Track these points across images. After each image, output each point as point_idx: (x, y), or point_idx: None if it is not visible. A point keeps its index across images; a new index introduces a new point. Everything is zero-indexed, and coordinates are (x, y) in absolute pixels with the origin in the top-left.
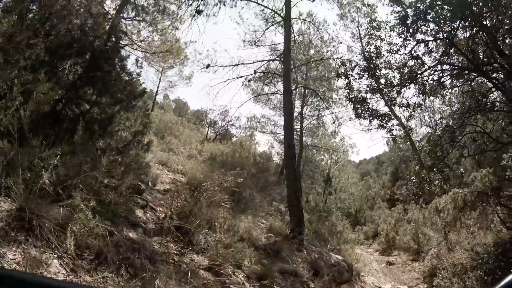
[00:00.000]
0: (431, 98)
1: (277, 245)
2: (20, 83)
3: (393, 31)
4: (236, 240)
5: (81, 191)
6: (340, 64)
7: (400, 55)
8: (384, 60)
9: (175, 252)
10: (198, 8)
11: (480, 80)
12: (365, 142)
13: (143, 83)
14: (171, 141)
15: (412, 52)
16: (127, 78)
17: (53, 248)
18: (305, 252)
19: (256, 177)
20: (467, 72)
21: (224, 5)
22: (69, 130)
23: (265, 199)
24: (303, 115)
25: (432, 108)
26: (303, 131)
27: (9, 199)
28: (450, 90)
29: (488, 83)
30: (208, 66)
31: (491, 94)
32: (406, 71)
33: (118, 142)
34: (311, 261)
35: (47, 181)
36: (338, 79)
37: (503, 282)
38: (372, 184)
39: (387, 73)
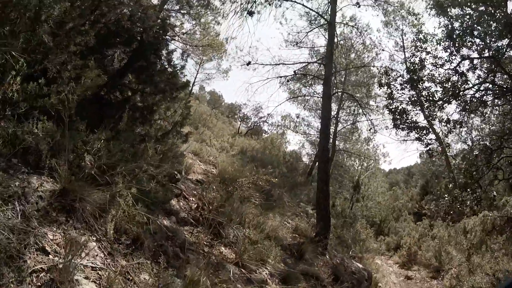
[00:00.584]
0: (471, 115)
1: (302, 247)
2: (70, 68)
3: (439, 45)
4: (263, 237)
5: (124, 177)
6: (383, 73)
7: (445, 69)
8: (427, 73)
9: (205, 243)
10: (250, 10)
11: None
12: (398, 152)
13: (186, 75)
14: (204, 132)
15: (457, 67)
16: (171, 70)
17: (92, 231)
18: (327, 257)
19: (285, 176)
20: (510, 93)
21: (270, 4)
22: (113, 116)
23: (292, 199)
24: (338, 118)
25: (470, 125)
26: (337, 135)
27: (52, 180)
28: (491, 110)
29: None
30: (249, 63)
31: None
32: (449, 86)
33: (157, 131)
34: (332, 266)
35: (89, 164)
36: (380, 89)
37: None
38: (400, 195)
39: (430, 86)
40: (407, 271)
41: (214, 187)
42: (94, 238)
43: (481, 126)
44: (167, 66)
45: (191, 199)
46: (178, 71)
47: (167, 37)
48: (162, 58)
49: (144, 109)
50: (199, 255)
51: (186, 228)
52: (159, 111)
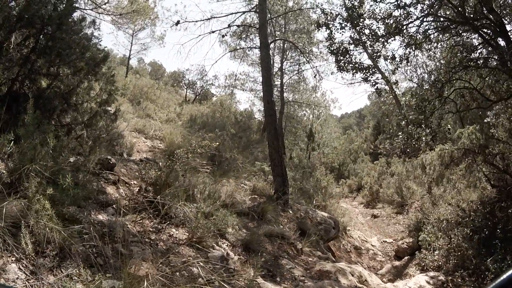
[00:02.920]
0: (416, 52)
1: (261, 207)
2: None
3: None
4: (218, 207)
5: (35, 178)
6: (321, 13)
7: (386, 4)
8: (368, 9)
9: (151, 229)
10: None
11: (467, 36)
12: (347, 96)
13: (105, 47)
14: (148, 106)
15: (398, 1)
16: (86, 44)
17: (10, 250)
18: (290, 212)
19: (238, 136)
20: (455, 25)
21: None
22: (24, 111)
23: (247, 159)
24: (283, 70)
25: (415, 63)
26: (284, 87)
27: None
28: (436, 44)
29: (474, 40)
30: (178, 22)
31: (478, 51)
32: (391, 22)
33: (84, 115)
34: (297, 220)
35: (4, 172)
36: (319, 30)
37: (498, 280)
38: (354, 138)
39: (371, 23)
40: (372, 210)
41: (160, 164)
42: (13, 259)
43: (427, 63)
44: (79, 40)
45: (133, 182)
46: (94, 43)
47: (81, 9)
48: (70, 31)
49: (62, 95)
50: (144, 245)
51: (129, 217)
52: (82, 93)
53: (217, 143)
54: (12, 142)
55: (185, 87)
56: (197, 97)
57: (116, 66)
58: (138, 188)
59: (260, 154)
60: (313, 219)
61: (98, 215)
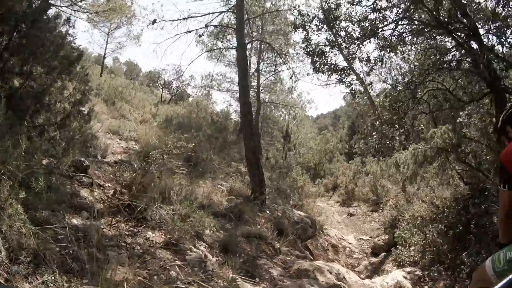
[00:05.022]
0: (390, 54)
1: (239, 208)
2: None
3: None
4: (194, 209)
5: (7, 181)
6: (297, 14)
7: (362, 7)
8: (344, 12)
9: (127, 232)
10: None
11: (440, 39)
12: (323, 97)
13: (80, 45)
14: (123, 107)
15: (374, 4)
16: (60, 42)
17: None
18: (268, 212)
19: (214, 137)
20: (429, 28)
21: None
22: None
23: (224, 160)
24: (260, 71)
25: (389, 65)
26: (260, 88)
27: None
28: (410, 47)
29: (447, 43)
30: (154, 21)
31: (451, 53)
32: (367, 25)
33: (57, 115)
34: (274, 221)
35: None
36: (295, 31)
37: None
38: (330, 138)
39: (347, 26)
40: (348, 208)
41: (135, 166)
42: None
43: (401, 65)
44: (53, 39)
45: (107, 185)
46: (68, 41)
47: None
48: (44, 29)
49: (36, 94)
50: (121, 249)
51: (104, 221)
52: (55, 93)
53: (193, 144)
54: None
55: (161, 87)
56: (173, 97)
57: (91, 65)
58: (112, 190)
59: (236, 154)
60: (290, 219)
61: (73, 219)
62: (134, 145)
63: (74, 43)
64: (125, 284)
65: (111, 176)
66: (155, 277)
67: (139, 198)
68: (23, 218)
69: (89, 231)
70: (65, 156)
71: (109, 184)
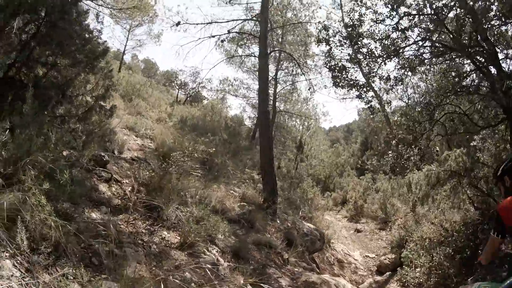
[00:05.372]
0: (409, 73)
1: (251, 215)
2: None
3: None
4: (208, 213)
5: (32, 171)
6: (322, 28)
7: (385, 26)
8: (367, 29)
9: (144, 230)
10: None
11: (460, 62)
12: (338, 110)
13: (105, 41)
14: (139, 104)
15: (397, 24)
16: (87, 36)
17: (4, 245)
18: (278, 221)
19: (228, 142)
20: (450, 51)
21: None
22: (19, 99)
23: (237, 165)
24: (277, 80)
25: (406, 83)
26: (277, 96)
27: None
28: (429, 68)
29: (466, 65)
30: (178, 23)
31: (469, 77)
32: (388, 43)
33: (78, 108)
34: (284, 231)
35: None
36: (319, 45)
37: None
38: (341, 152)
39: (369, 43)
40: (356, 224)
41: (151, 164)
42: (7, 254)
43: (418, 84)
44: (81, 32)
45: (124, 181)
46: (95, 36)
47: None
48: (73, 22)
49: (60, 86)
50: (138, 246)
51: (121, 217)
52: (78, 86)
53: (213, 149)
54: (8, 130)
55: (177, 87)
56: (188, 98)
57: (110, 60)
58: (130, 187)
59: (249, 161)
60: (300, 230)
61: (92, 213)
62: (149, 143)
63: (100, 39)
64: (140, 283)
65: (128, 172)
66: (170, 277)
67: (156, 197)
68: (48, 209)
69: (108, 227)
70: (85, 149)
71: (127, 181)
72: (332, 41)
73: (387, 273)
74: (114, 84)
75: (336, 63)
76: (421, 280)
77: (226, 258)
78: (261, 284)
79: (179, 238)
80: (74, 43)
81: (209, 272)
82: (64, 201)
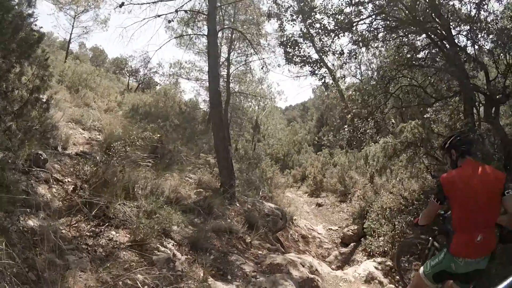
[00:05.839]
0: (362, 49)
1: (208, 202)
2: None
3: None
4: (161, 204)
5: None
6: (272, 3)
7: (338, 0)
8: (320, 4)
9: (88, 233)
10: None
11: (413, 38)
12: (293, 89)
13: (41, 27)
14: (87, 95)
15: None
16: (19, 23)
17: None
18: (238, 205)
19: (182, 127)
20: (404, 26)
21: None
22: None
23: (192, 151)
24: (230, 60)
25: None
26: (230, 78)
27: None
28: (383, 43)
29: (418, 41)
30: (122, 4)
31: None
32: (342, 18)
33: (13, 104)
34: (244, 214)
35: None
36: (269, 20)
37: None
38: (298, 130)
39: (322, 18)
40: (316, 199)
41: (97, 158)
42: None
43: (371, 61)
44: (11, 19)
45: (66, 180)
46: (28, 23)
47: None
48: (1, 7)
49: None
50: (82, 252)
51: (62, 221)
52: (12, 79)
53: (159, 135)
54: None
55: (128, 74)
56: (140, 85)
57: (56, 50)
58: (72, 186)
59: (205, 145)
60: (261, 211)
61: (28, 220)
62: (97, 136)
63: (35, 25)
64: None
65: (71, 169)
66: (120, 282)
67: (101, 194)
68: None
69: (47, 234)
70: (21, 149)
71: (69, 179)
72: (284, 15)
73: (352, 244)
74: (52, 74)
75: (288, 38)
76: (385, 248)
77: (183, 251)
78: (223, 273)
79: (128, 236)
80: (6, 31)
81: (164, 270)
82: None
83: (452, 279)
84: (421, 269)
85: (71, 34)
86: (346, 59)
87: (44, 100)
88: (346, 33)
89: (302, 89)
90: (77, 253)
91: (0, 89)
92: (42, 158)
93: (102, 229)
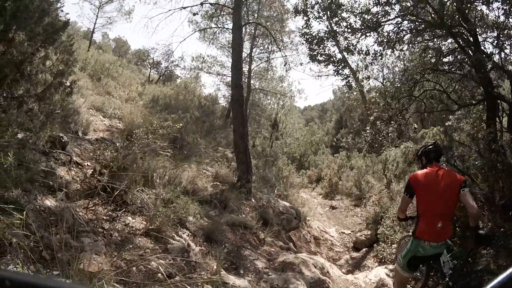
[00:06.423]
0: (387, 51)
1: (224, 195)
2: None
3: None
4: (178, 194)
5: None
6: None
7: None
8: (347, 2)
9: (105, 217)
10: None
11: (439, 42)
12: (314, 88)
13: (67, 13)
14: (108, 83)
15: None
16: (46, 7)
17: None
18: (253, 200)
19: (201, 121)
20: (431, 29)
21: None
22: None
23: (210, 144)
24: (252, 56)
25: (382, 62)
26: (251, 73)
27: None
28: (408, 46)
29: (443, 46)
30: None
31: (449, 56)
32: (368, 18)
33: (37, 87)
34: (259, 210)
35: None
36: (296, 16)
37: (496, 280)
38: (316, 130)
39: (348, 17)
40: (331, 201)
41: (117, 145)
42: None
43: (395, 64)
44: (39, 3)
45: (86, 164)
46: (55, 8)
47: None
48: None
49: (15, 63)
50: (97, 235)
51: (80, 203)
52: (36, 63)
53: (180, 125)
54: None
55: (149, 66)
56: (161, 77)
57: (79, 39)
58: (91, 170)
59: (223, 140)
60: (275, 209)
61: (46, 200)
62: (118, 124)
63: (62, 10)
64: (98, 277)
65: (91, 154)
66: (134, 268)
67: (119, 180)
68: None
69: (63, 215)
70: (42, 131)
71: (89, 163)
72: (311, 12)
73: (364, 249)
74: (77, 60)
75: (313, 35)
76: None
77: (198, 242)
78: (235, 267)
79: (144, 223)
80: (32, 15)
81: (178, 259)
82: (11, 188)
83: (422, 264)
84: (396, 265)
85: (95, 24)
86: (371, 60)
87: (67, 85)
88: (372, 33)
89: (323, 89)
90: (92, 236)
91: (24, 71)
92: (63, 140)
93: (119, 214)
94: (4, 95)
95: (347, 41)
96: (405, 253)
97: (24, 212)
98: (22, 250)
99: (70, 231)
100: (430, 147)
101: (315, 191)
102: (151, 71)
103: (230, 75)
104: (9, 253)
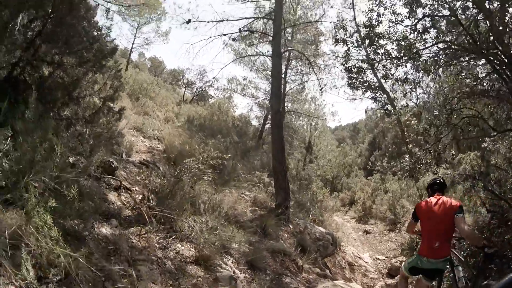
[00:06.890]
0: (423, 78)
1: (264, 221)
2: None
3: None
4: (222, 221)
5: (35, 187)
6: (340, 27)
7: (404, 26)
8: (385, 30)
9: (157, 244)
10: None
11: (474, 64)
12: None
13: (114, 39)
14: (146, 103)
15: (416, 25)
16: (95, 34)
17: (8, 276)
18: (290, 226)
19: (236, 143)
20: (466, 53)
21: None
22: (23, 101)
23: (246, 167)
24: (287, 79)
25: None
26: (285, 96)
27: None
28: (443, 69)
29: (478, 68)
30: (189, 21)
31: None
32: (404, 44)
33: (85, 110)
34: (297, 236)
35: None
36: (336, 45)
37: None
38: (348, 152)
39: (386, 44)
40: (364, 225)
41: (161, 169)
42: (13, 287)
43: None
44: (89, 29)
45: (134, 189)
46: (104, 33)
47: None
48: (82, 18)
49: (66, 86)
50: (152, 264)
51: (132, 230)
52: (86, 86)
53: (229, 155)
54: (9, 138)
55: (184, 86)
56: (195, 97)
57: (118, 59)
58: (140, 196)
59: (257, 162)
60: (312, 235)
61: (101, 228)
62: (157, 145)
63: (109, 36)
64: None
65: (137, 178)
66: None
67: (168, 206)
68: (55, 236)
69: (119, 243)
70: (92, 155)
71: (137, 188)
72: (350, 41)
73: (398, 277)
74: (123, 84)
75: (353, 64)
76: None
77: (242, 269)
78: None
79: (193, 250)
80: (82, 41)
81: (227, 287)
82: (71, 218)
83: (420, 273)
84: (402, 265)
85: (132, 44)
86: (411, 88)
87: (116, 110)
88: (411, 61)
89: (358, 112)
90: (148, 265)
91: (74, 95)
92: (113, 165)
93: (170, 242)
94: (53, 116)
95: (385, 68)
96: (409, 262)
97: (86, 242)
98: (87, 282)
99: (128, 260)
100: (435, 181)
101: (348, 215)
102: (186, 90)
103: (263, 97)
104: (75, 285)
